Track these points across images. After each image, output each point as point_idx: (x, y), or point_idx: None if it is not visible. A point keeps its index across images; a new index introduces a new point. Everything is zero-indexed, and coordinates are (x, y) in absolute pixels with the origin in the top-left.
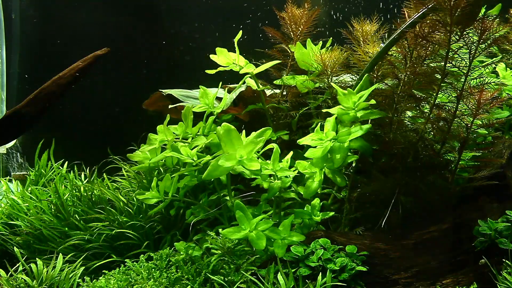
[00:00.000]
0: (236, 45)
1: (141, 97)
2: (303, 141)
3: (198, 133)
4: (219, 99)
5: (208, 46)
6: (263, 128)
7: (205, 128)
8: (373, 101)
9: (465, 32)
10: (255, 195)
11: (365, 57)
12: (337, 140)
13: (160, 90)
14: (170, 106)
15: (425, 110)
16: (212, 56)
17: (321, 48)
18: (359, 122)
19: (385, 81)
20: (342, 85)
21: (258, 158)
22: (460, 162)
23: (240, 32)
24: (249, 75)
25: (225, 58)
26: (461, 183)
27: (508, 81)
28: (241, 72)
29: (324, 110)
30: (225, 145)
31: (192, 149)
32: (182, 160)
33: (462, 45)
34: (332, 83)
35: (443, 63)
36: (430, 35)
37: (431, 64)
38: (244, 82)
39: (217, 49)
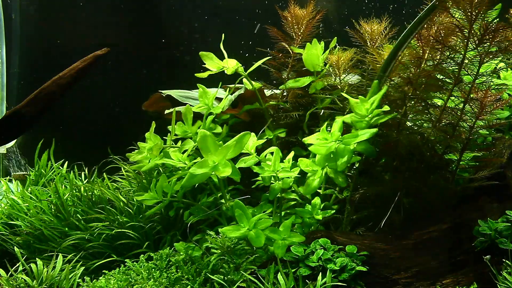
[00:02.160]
0: (222, 48)
1: (141, 97)
2: (308, 140)
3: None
4: (219, 99)
5: (208, 46)
6: (242, 133)
7: (204, 127)
8: (386, 107)
9: (484, 40)
10: (255, 195)
11: (377, 57)
12: (342, 142)
13: (160, 91)
14: (166, 111)
15: (431, 113)
16: (204, 63)
17: (325, 48)
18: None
19: (395, 81)
20: (351, 87)
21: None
22: (460, 162)
23: (223, 36)
24: (243, 77)
25: (213, 63)
26: (461, 183)
27: (509, 81)
28: (229, 73)
29: (338, 117)
30: (202, 151)
31: (182, 153)
32: (174, 165)
33: (475, 53)
34: (344, 94)
35: (452, 67)
36: (445, 38)
37: (443, 69)
38: (240, 83)
39: (201, 53)
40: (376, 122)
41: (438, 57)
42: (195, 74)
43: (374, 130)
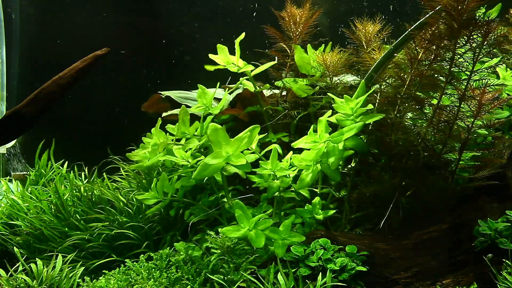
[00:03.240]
0: (237, 45)
1: (141, 98)
2: (297, 144)
3: (196, 134)
4: (217, 99)
5: (208, 46)
6: (251, 126)
7: (203, 128)
8: (370, 106)
9: (471, 38)
10: (254, 196)
11: (368, 58)
12: (331, 141)
13: (159, 92)
14: (164, 114)
15: (426, 112)
16: (211, 56)
17: (323, 49)
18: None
19: (388, 81)
20: (345, 86)
21: (260, 159)
22: (460, 162)
23: (243, 34)
24: (247, 77)
25: (225, 57)
26: (461, 183)
27: (508, 81)
28: (239, 71)
29: (324, 118)
30: (214, 144)
31: (186, 151)
32: (177, 162)
33: (467, 48)
34: (329, 94)
35: (446, 66)
36: (436, 40)
37: (436, 67)
38: (241, 84)
39: (219, 46)
40: (362, 120)
41: (431, 56)
42: (205, 66)
43: (360, 124)
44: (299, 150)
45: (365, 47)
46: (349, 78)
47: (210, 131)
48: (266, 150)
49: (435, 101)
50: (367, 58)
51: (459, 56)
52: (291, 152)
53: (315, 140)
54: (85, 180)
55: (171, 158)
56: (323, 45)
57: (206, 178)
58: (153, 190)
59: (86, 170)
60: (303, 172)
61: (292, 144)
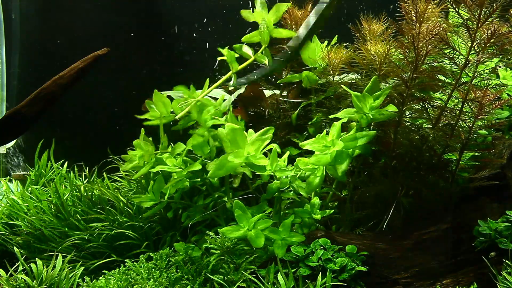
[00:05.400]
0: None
1: (141, 98)
2: (305, 145)
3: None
4: (215, 99)
5: (208, 46)
6: (266, 128)
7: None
8: (393, 107)
9: (489, 43)
10: (253, 196)
11: (368, 55)
12: (345, 147)
13: (159, 92)
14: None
15: (431, 113)
16: (243, 11)
17: (326, 46)
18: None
19: (388, 81)
20: (347, 84)
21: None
22: (460, 162)
23: None
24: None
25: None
26: (461, 183)
27: (508, 81)
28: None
29: (339, 115)
30: (231, 144)
31: (175, 158)
32: (170, 171)
33: (475, 56)
34: (343, 87)
35: (451, 67)
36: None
37: (443, 69)
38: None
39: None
40: (380, 119)
41: (435, 56)
42: (241, 12)
43: (373, 132)
44: (296, 146)
45: (368, 45)
46: (350, 76)
47: (227, 131)
48: (266, 148)
49: (437, 100)
50: (368, 56)
51: (473, 62)
52: (288, 152)
53: (327, 145)
54: (85, 180)
55: (163, 168)
56: (326, 41)
57: (201, 180)
58: (150, 193)
59: (86, 170)
60: (310, 175)
61: (300, 144)
